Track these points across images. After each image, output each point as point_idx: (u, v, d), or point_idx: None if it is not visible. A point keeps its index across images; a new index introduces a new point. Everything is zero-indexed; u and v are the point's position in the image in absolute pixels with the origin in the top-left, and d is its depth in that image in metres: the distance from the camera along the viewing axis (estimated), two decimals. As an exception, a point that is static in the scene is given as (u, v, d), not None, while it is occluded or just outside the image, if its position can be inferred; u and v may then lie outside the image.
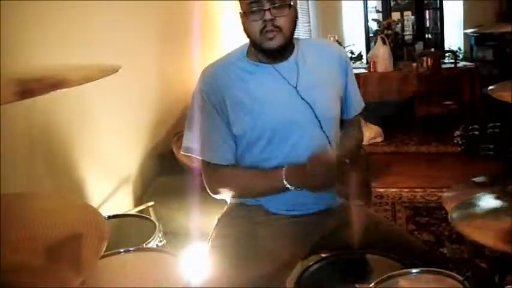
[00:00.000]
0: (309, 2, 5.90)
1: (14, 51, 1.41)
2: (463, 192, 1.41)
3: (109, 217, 1.66)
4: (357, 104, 1.53)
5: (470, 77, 4.59)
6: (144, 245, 1.46)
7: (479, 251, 1.96)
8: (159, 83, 2.60)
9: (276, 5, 1.26)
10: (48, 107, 1.62)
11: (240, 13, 1.31)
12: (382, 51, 4.84)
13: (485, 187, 1.34)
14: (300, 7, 5.54)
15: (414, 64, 4.70)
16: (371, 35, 5.77)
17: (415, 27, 5.70)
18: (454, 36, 5.86)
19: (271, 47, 1.29)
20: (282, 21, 1.27)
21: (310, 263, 1.29)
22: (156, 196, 2.08)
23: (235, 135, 1.37)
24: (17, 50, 1.44)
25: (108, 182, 2.03)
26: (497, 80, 1.15)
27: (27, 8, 1.49)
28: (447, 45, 5.78)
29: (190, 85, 1.50)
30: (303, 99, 1.35)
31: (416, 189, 3.35)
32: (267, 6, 1.25)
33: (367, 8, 5.98)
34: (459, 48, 5.69)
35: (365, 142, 4.29)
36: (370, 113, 4.31)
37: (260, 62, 1.36)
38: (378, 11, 5.91)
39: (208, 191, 1.41)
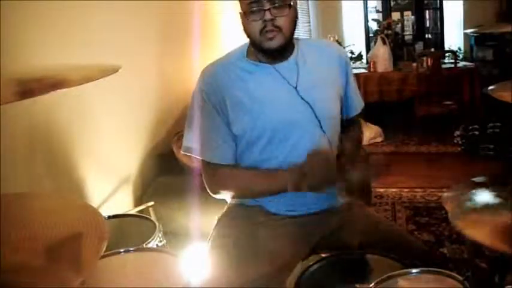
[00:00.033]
0: (309, 2, 5.90)
1: (14, 51, 1.41)
2: (463, 192, 1.42)
3: (109, 217, 1.66)
4: (357, 104, 1.53)
5: (470, 77, 4.59)
6: (144, 245, 1.46)
7: (479, 251, 1.96)
8: (159, 83, 2.60)
9: (276, 5, 1.26)
10: (48, 107, 1.62)
11: (240, 13, 1.31)
12: (382, 51, 4.85)
13: (485, 187, 1.34)
14: (300, 7, 5.54)
15: (414, 64, 4.71)
16: (371, 35, 5.77)
17: (415, 27, 5.70)
18: (454, 36, 5.86)
19: (271, 47, 1.29)
20: (282, 21, 1.27)
21: (310, 263, 1.29)
22: (156, 196, 2.08)
23: (235, 135, 1.37)
24: (17, 50, 1.44)
25: (108, 182, 2.03)
26: (497, 80, 1.15)
27: (27, 8, 1.49)
28: (447, 45, 5.78)
29: (190, 85, 1.50)
30: (302, 99, 1.35)
31: (416, 189, 3.35)
32: (267, 6, 1.25)
33: (367, 8, 5.98)
34: (459, 48, 5.69)
35: (365, 142, 4.30)
36: (370, 113, 4.32)
37: (260, 61, 1.36)
38: (378, 11, 5.91)
39: (208, 190, 1.41)
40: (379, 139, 4.67)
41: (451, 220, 0.99)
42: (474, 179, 1.22)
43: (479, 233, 0.93)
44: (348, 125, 1.53)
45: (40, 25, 1.59)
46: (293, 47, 1.39)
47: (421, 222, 2.86)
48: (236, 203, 1.48)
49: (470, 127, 4.03)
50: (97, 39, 1.89)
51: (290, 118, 1.35)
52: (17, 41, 1.45)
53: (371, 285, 1.08)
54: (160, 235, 1.57)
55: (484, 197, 1.09)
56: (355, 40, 5.80)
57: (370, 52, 5.12)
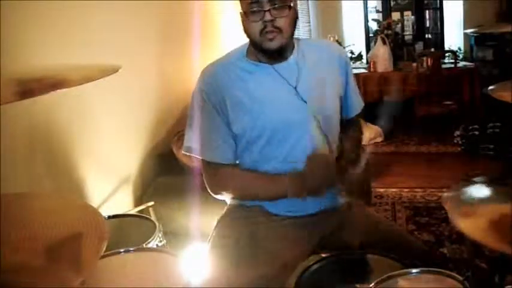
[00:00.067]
0: (309, 2, 5.90)
1: (14, 51, 1.41)
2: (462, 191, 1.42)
3: (109, 217, 1.66)
4: (357, 104, 1.53)
5: (470, 77, 4.59)
6: (144, 245, 1.46)
7: (479, 251, 1.96)
8: (159, 83, 2.60)
9: (276, 6, 1.25)
10: (48, 107, 1.62)
11: (241, 13, 1.31)
12: (382, 51, 4.85)
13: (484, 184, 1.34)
14: (300, 7, 5.54)
15: (414, 64, 4.71)
16: (371, 35, 5.77)
17: (415, 27, 5.70)
18: (454, 36, 5.86)
19: (271, 48, 1.29)
20: (282, 22, 1.27)
21: (310, 263, 1.29)
22: (156, 196, 2.08)
23: (235, 135, 1.37)
24: (17, 50, 1.44)
25: (108, 182, 2.03)
26: (497, 80, 1.15)
27: (27, 8, 1.49)
28: (447, 45, 5.78)
29: (190, 85, 1.50)
30: (302, 99, 1.35)
31: (416, 189, 3.35)
32: (267, 7, 1.25)
33: (367, 8, 5.98)
34: (459, 48, 5.69)
35: (365, 142, 4.29)
36: (370, 113, 4.32)
37: (260, 61, 1.36)
38: (378, 11, 5.91)
39: (209, 191, 1.41)
40: (379, 139, 4.67)
41: (449, 215, 1.00)
42: (474, 179, 1.22)
43: (473, 224, 0.93)
44: (348, 125, 1.53)
45: (40, 25, 1.59)
46: (293, 47, 1.39)
47: (421, 222, 2.86)
48: (236, 203, 1.48)
49: (470, 127, 4.03)
50: (97, 39, 1.89)
51: (290, 118, 1.35)
52: (17, 41, 1.44)
53: (371, 285, 1.08)
54: (160, 235, 1.57)
55: (481, 191, 1.10)
56: (355, 40, 5.80)
57: (370, 52, 5.12)
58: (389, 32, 5.06)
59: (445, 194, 1.06)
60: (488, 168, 3.45)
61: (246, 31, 1.32)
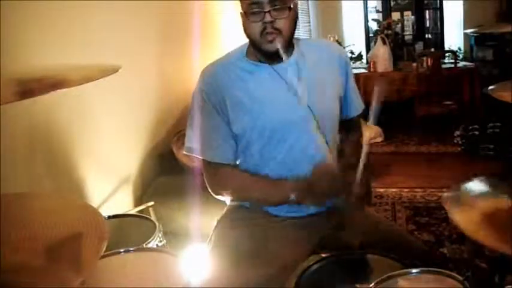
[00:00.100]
0: (309, 2, 5.90)
1: (14, 51, 1.41)
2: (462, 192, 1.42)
3: (109, 217, 1.66)
4: (357, 104, 1.53)
5: (470, 77, 4.59)
6: (144, 245, 1.46)
7: (479, 251, 1.96)
8: (159, 83, 2.60)
9: (277, 7, 1.25)
10: (48, 107, 1.62)
11: (241, 13, 1.31)
12: (382, 51, 4.84)
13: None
14: (300, 7, 5.53)
15: (414, 64, 4.70)
16: (371, 35, 5.76)
17: (415, 27, 5.69)
18: (454, 36, 5.86)
19: (270, 50, 1.29)
20: (281, 23, 1.27)
21: (310, 263, 1.29)
22: (156, 196, 2.08)
23: (235, 134, 1.37)
24: (17, 50, 1.44)
25: (108, 182, 2.03)
26: (497, 80, 1.15)
27: (27, 8, 1.49)
28: (447, 45, 5.77)
29: (190, 85, 1.50)
30: (302, 100, 1.35)
31: (416, 189, 3.35)
32: (267, 8, 1.25)
33: (367, 8, 5.97)
34: (459, 48, 5.69)
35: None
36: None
37: (260, 61, 1.36)
38: (378, 11, 5.90)
39: (210, 191, 1.41)
40: (379, 139, 4.66)
41: (449, 213, 1.00)
42: (474, 179, 1.22)
43: (467, 218, 0.93)
44: (348, 126, 1.53)
45: (40, 25, 1.59)
46: (293, 47, 1.39)
47: (421, 222, 2.86)
48: (236, 204, 1.48)
49: (470, 127, 4.03)
50: (97, 39, 1.89)
51: (289, 118, 1.35)
52: (17, 41, 1.44)
53: (371, 285, 1.08)
54: (160, 235, 1.57)
55: (479, 186, 1.10)
56: (355, 40, 5.79)
57: (370, 52, 5.11)
58: (389, 32, 5.06)
59: (445, 194, 1.06)
60: (488, 168, 3.45)
61: (246, 31, 1.32)
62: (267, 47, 1.29)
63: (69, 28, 1.75)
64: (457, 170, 3.63)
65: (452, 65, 4.68)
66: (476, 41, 5.35)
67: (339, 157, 1.41)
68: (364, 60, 5.50)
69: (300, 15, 1.36)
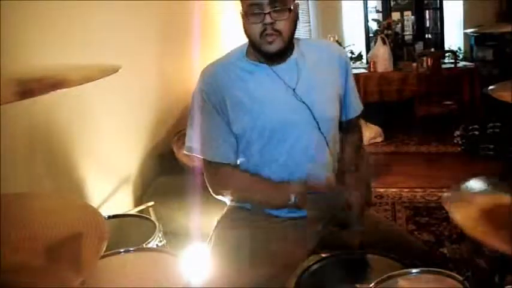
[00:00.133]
0: (309, 2, 5.90)
1: (14, 51, 1.41)
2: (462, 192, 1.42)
3: (109, 217, 1.66)
4: (356, 105, 1.53)
5: (470, 77, 4.59)
6: (144, 245, 1.46)
7: (478, 250, 1.96)
8: (159, 83, 2.60)
9: (277, 8, 1.25)
10: (48, 107, 1.62)
11: (241, 13, 1.31)
12: (382, 51, 4.84)
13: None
14: (300, 7, 5.51)
15: (414, 64, 4.70)
16: (371, 35, 5.76)
17: (415, 27, 5.69)
18: (454, 36, 5.86)
19: (270, 51, 1.30)
20: (281, 25, 1.27)
21: (310, 263, 1.29)
22: (156, 196, 2.08)
23: (235, 134, 1.37)
24: (17, 50, 1.44)
25: (108, 182, 2.03)
26: (497, 80, 1.15)
27: (27, 8, 1.49)
28: (447, 45, 5.77)
29: (190, 85, 1.50)
30: (301, 100, 1.35)
31: (416, 189, 3.35)
32: (267, 9, 1.25)
33: (367, 8, 5.97)
34: (459, 48, 5.69)
35: (365, 142, 4.29)
36: (370, 113, 4.32)
37: (260, 62, 1.36)
38: (378, 11, 5.90)
39: (211, 190, 1.42)
40: (379, 139, 4.67)
41: (449, 212, 1.00)
42: (474, 179, 1.22)
43: (465, 214, 0.93)
44: (348, 127, 1.53)
45: (40, 25, 1.59)
46: (293, 47, 1.39)
47: (421, 222, 2.86)
48: (236, 205, 1.48)
49: (470, 127, 4.03)
50: (97, 39, 1.89)
51: (289, 119, 1.35)
52: (17, 41, 1.44)
53: (371, 285, 1.07)
54: (160, 235, 1.57)
55: (478, 184, 1.10)
56: (355, 40, 5.79)
57: (370, 52, 5.11)
58: (389, 32, 5.06)
59: (445, 194, 1.06)
60: (488, 168, 3.45)
61: (246, 32, 1.32)
62: (266, 48, 1.29)
63: (69, 28, 1.75)
64: (457, 170, 3.63)
65: (452, 65, 4.68)
66: (476, 41, 5.35)
67: (339, 163, 1.42)
68: (364, 60, 5.49)
69: (300, 15, 1.36)
